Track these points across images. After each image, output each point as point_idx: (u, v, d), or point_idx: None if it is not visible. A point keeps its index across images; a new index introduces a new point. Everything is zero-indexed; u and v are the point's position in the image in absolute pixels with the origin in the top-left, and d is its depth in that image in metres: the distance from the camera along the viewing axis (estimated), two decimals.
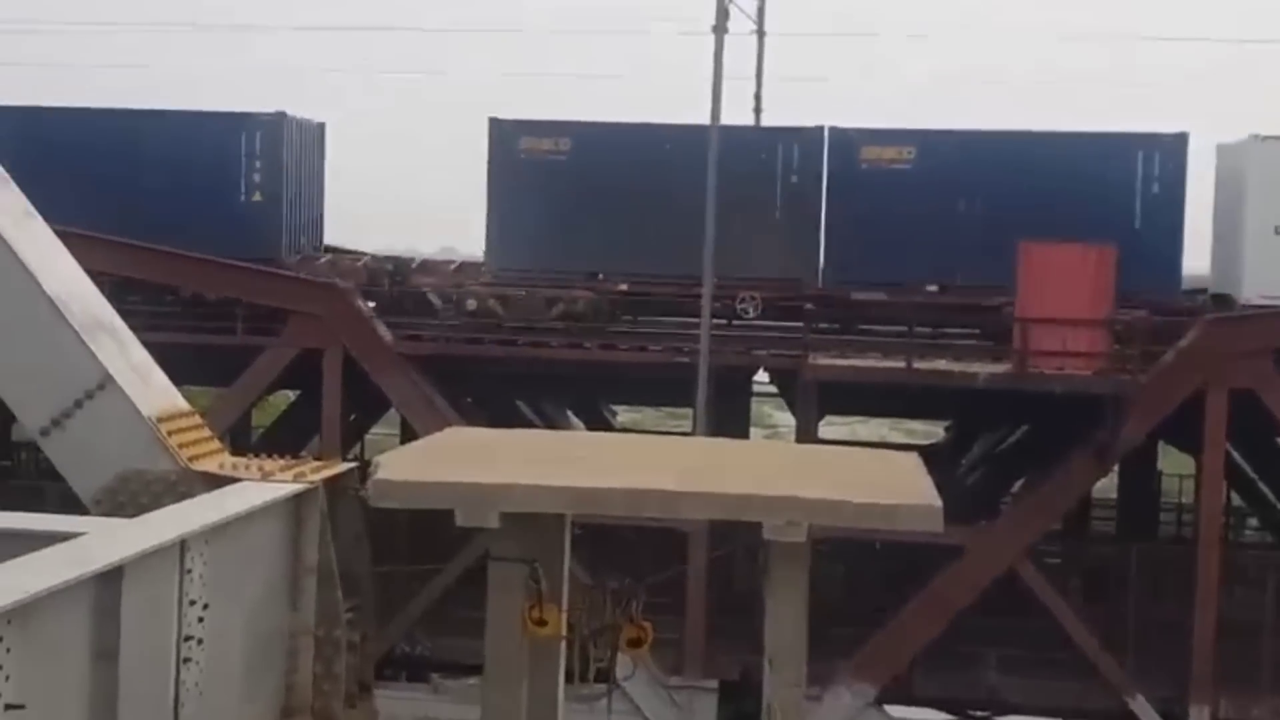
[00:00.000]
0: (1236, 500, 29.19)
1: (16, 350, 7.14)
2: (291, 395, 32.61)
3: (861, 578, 24.98)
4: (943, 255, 24.57)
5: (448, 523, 8.27)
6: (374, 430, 31.77)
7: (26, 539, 5.61)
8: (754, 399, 28.91)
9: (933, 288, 25.29)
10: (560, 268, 25.43)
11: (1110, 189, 24.58)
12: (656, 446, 12.61)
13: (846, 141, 25.40)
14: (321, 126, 28.93)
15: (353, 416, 28.05)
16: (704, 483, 8.78)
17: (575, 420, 32.48)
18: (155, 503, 6.78)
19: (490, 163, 26.28)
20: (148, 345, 7.80)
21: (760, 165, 25.46)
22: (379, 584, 9.20)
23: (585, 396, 31.52)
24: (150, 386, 7.42)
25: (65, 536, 5.61)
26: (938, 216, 24.66)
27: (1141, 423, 21.98)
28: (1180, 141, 24.78)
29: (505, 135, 26.15)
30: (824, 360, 22.95)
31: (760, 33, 34.47)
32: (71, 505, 7.32)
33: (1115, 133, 25.70)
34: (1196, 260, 26.07)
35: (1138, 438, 22.61)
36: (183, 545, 5.75)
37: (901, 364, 22.51)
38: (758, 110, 35.42)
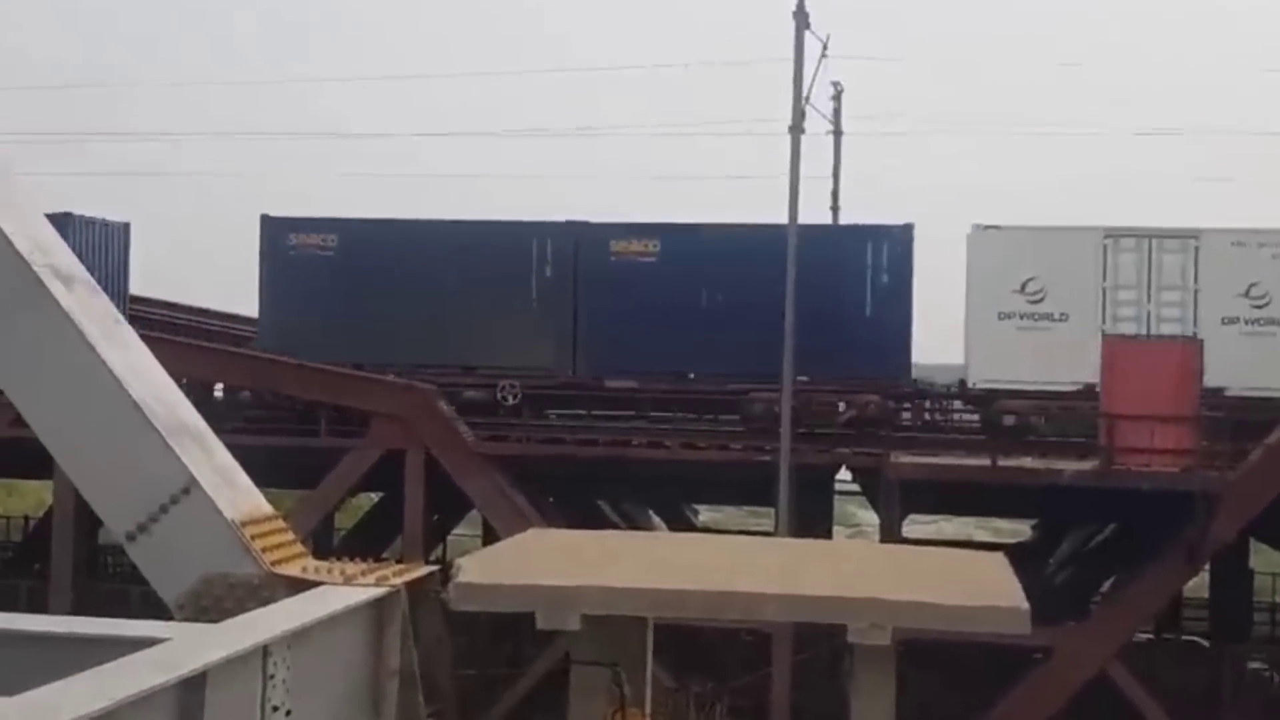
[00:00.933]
0: None
1: (103, 456, 7.24)
2: (374, 497, 32.83)
3: (950, 680, 24.48)
4: (687, 344, 25.67)
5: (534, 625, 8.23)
6: (456, 531, 31.85)
7: (111, 644, 5.65)
8: (838, 497, 28.72)
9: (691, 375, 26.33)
10: (326, 358, 25.79)
11: (842, 278, 25.58)
12: (738, 547, 12.48)
13: (597, 235, 26.40)
14: (126, 226, 30.01)
15: (435, 517, 28.18)
16: (786, 584, 8.67)
17: (657, 520, 32.38)
18: (239, 607, 6.80)
19: (262, 257, 27.36)
20: (231, 449, 7.89)
21: (517, 259, 26.50)
22: (461, 688, 9.16)
23: (666, 496, 31.46)
24: (235, 490, 7.48)
25: (149, 642, 5.63)
26: (681, 307, 25.71)
27: (1231, 520, 21.49)
28: (906, 232, 25.84)
29: (275, 231, 27.33)
30: (906, 459, 22.74)
31: (837, 132, 34.70)
32: (155, 608, 7.37)
33: (847, 225, 27.84)
34: None
35: (1228, 535, 22.09)
36: (265, 651, 5.76)
37: (985, 462, 22.24)
38: (835, 209, 35.56)
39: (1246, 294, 24.51)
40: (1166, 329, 24.28)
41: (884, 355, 25.37)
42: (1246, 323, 24.52)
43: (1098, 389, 22.30)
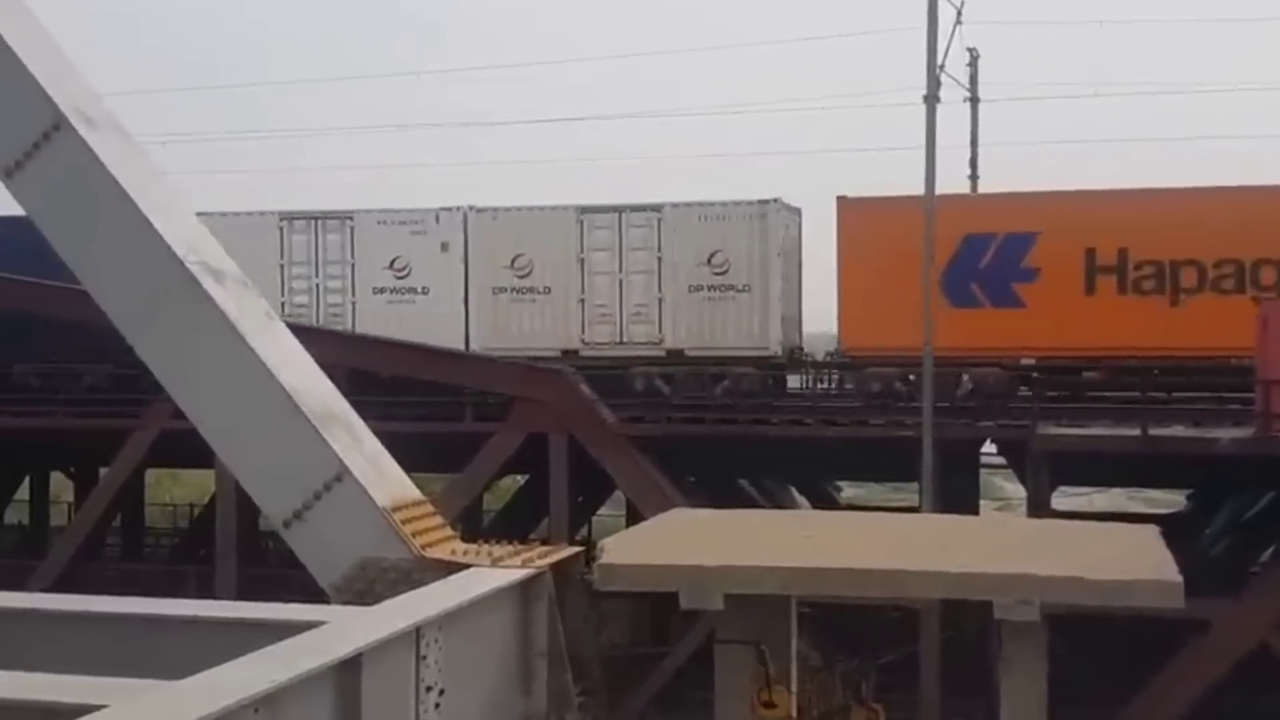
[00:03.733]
0: None
1: (258, 446, 7.48)
2: (521, 480, 33.27)
3: (1106, 655, 24.04)
4: None
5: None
6: (601, 511, 32.13)
7: (272, 628, 5.85)
8: (984, 471, 28.31)
9: None
10: None
11: None
12: (882, 523, 12.44)
13: None
14: None
15: (580, 499, 28.47)
16: (929, 560, 8.62)
17: (799, 497, 32.26)
18: (391, 590, 6.98)
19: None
20: (381, 435, 8.07)
21: None
22: (610, 666, 9.28)
23: (808, 473, 31.34)
24: (384, 476, 7.67)
25: (308, 625, 5.82)
26: None
27: None
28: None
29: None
30: (1053, 430, 22.33)
31: (974, 99, 34.13)
32: (313, 593, 7.59)
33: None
34: None
35: None
36: (418, 632, 5.91)
37: (1136, 432, 21.74)
38: (973, 177, 35.00)
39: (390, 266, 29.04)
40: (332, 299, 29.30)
41: None
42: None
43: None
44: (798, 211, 28.56)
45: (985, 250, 25.73)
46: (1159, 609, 8.09)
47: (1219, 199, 24.84)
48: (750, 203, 27.41)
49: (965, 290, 25.73)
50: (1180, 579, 7.69)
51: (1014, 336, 24.87)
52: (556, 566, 7.89)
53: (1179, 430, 22.24)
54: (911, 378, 24.49)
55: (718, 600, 8.23)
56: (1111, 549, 8.85)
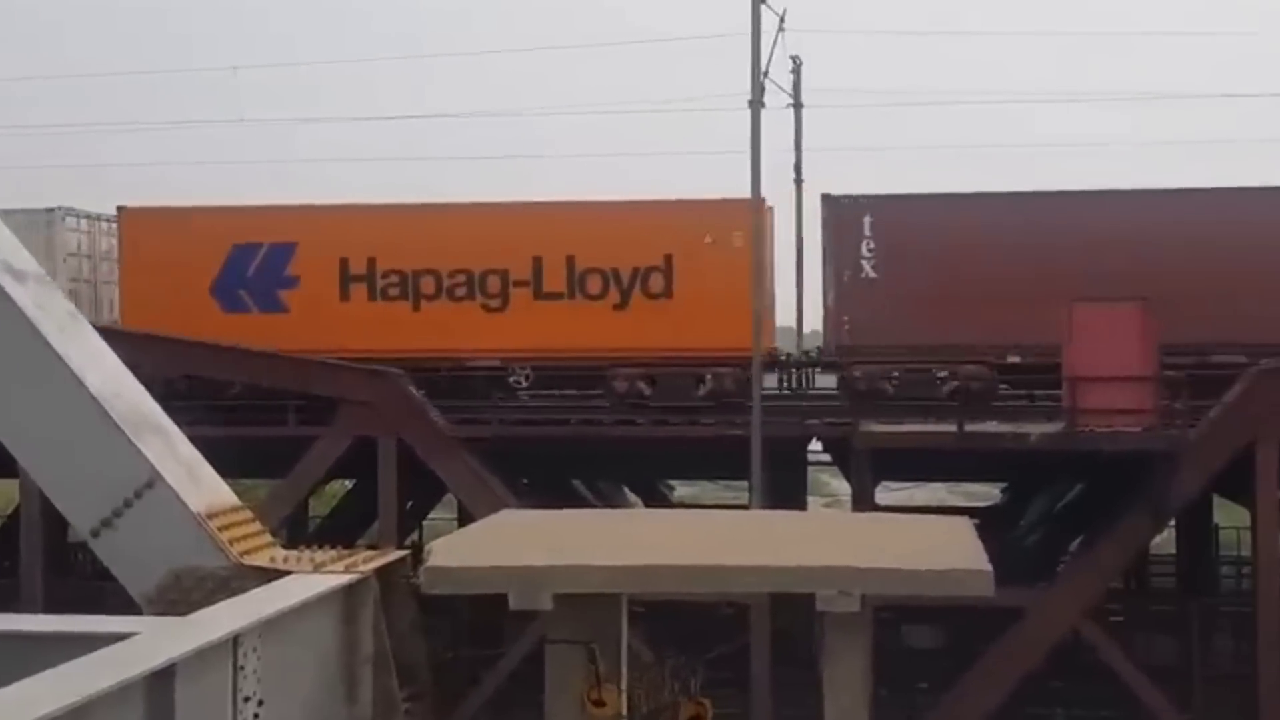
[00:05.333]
0: None
1: (63, 452, 7.24)
2: (349, 484, 32.78)
3: (926, 644, 24.68)
4: None
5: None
6: (433, 515, 31.85)
7: (81, 641, 5.67)
8: (812, 468, 28.83)
9: None
10: None
11: None
12: (712, 521, 12.58)
13: None
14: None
15: (410, 503, 28.17)
16: (756, 555, 8.74)
17: (632, 497, 32.44)
18: (207, 600, 6.82)
19: None
20: (198, 440, 7.88)
21: None
22: (442, 672, 9.19)
23: (641, 473, 31.53)
24: (199, 482, 7.49)
25: (118, 637, 5.66)
26: None
27: (1193, 478, 21.69)
28: None
29: None
30: (875, 428, 22.85)
31: (798, 105, 34.71)
32: (129, 606, 7.38)
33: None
34: None
35: (1191, 493, 22.32)
36: (235, 641, 5.79)
37: (953, 428, 22.37)
38: (798, 181, 35.58)
39: None
40: None
41: None
42: None
43: None
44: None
45: (252, 259, 26.82)
46: (972, 597, 8.33)
47: (452, 214, 26.76)
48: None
49: (235, 297, 26.83)
50: (990, 568, 7.93)
51: (278, 340, 25.58)
52: (382, 571, 7.80)
53: (993, 426, 22.93)
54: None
55: (547, 600, 8.21)
56: (928, 540, 9.09)
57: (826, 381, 26.93)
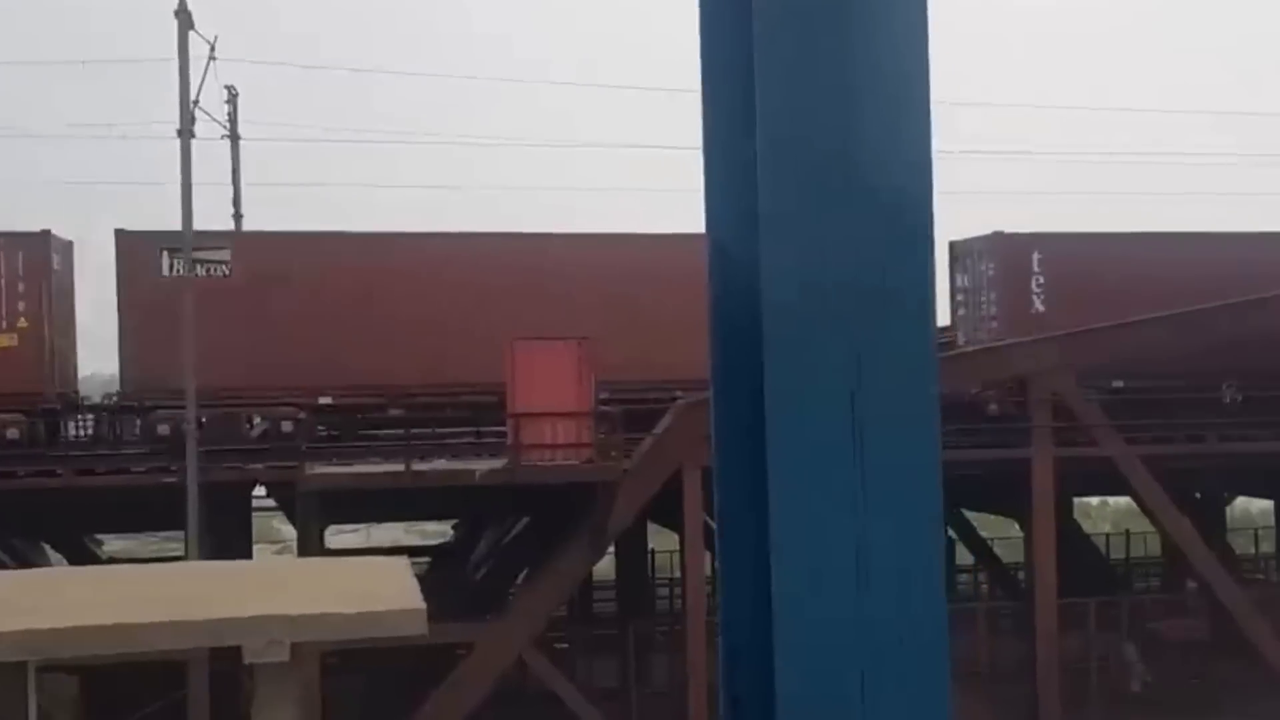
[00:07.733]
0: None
1: None
2: None
3: (380, 685, 24.48)
4: None
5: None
6: None
7: None
8: (262, 514, 27.96)
9: None
10: None
11: None
12: (138, 576, 11.91)
13: None
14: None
15: None
16: (181, 611, 8.29)
17: (53, 555, 30.13)
18: None
19: None
20: None
21: None
22: None
23: (63, 528, 29.31)
24: None
25: None
26: None
27: (628, 506, 22.83)
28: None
29: None
30: (321, 469, 22.51)
31: (234, 136, 33.86)
32: None
33: None
34: None
35: (627, 520, 23.49)
36: None
37: (400, 467, 22.41)
38: (237, 215, 34.70)
39: None
40: None
41: None
42: None
43: None
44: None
45: None
46: (409, 636, 8.28)
47: None
48: None
49: None
50: (424, 606, 7.93)
51: None
52: None
53: (441, 464, 23.16)
54: None
55: None
56: (363, 582, 8.99)
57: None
